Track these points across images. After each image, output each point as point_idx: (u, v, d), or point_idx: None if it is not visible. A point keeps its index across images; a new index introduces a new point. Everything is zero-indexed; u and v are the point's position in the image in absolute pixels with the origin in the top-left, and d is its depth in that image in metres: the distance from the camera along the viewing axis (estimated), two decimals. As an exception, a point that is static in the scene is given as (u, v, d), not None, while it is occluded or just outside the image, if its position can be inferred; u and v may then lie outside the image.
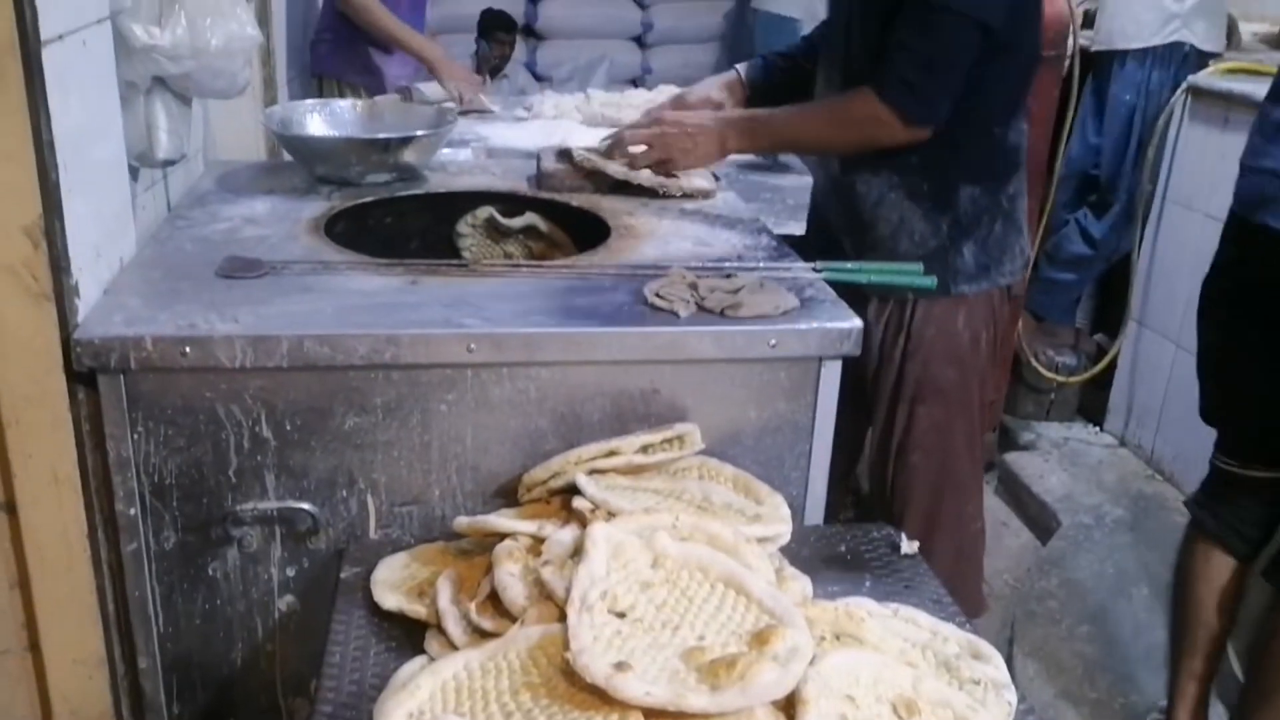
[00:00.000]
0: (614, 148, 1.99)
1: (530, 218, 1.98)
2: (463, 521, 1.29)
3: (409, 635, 1.18)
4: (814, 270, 1.62)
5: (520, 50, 5.88)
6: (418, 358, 1.36)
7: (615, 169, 1.96)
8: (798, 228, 2.25)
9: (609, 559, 1.12)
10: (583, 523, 1.21)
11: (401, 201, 1.99)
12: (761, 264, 1.64)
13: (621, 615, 1.06)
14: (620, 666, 0.96)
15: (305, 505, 1.40)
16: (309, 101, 2.30)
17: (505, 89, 5.17)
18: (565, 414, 1.42)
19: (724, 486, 1.37)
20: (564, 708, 0.98)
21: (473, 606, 1.13)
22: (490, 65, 5.25)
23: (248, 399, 1.36)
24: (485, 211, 1.99)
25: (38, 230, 1.25)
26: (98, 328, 1.33)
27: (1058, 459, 3.41)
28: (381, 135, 2.02)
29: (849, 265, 1.68)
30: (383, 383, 1.37)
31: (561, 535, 1.19)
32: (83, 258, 1.35)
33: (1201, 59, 3.40)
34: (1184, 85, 3.23)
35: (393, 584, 1.25)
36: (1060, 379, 3.57)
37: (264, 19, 3.18)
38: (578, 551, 1.14)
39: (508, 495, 1.42)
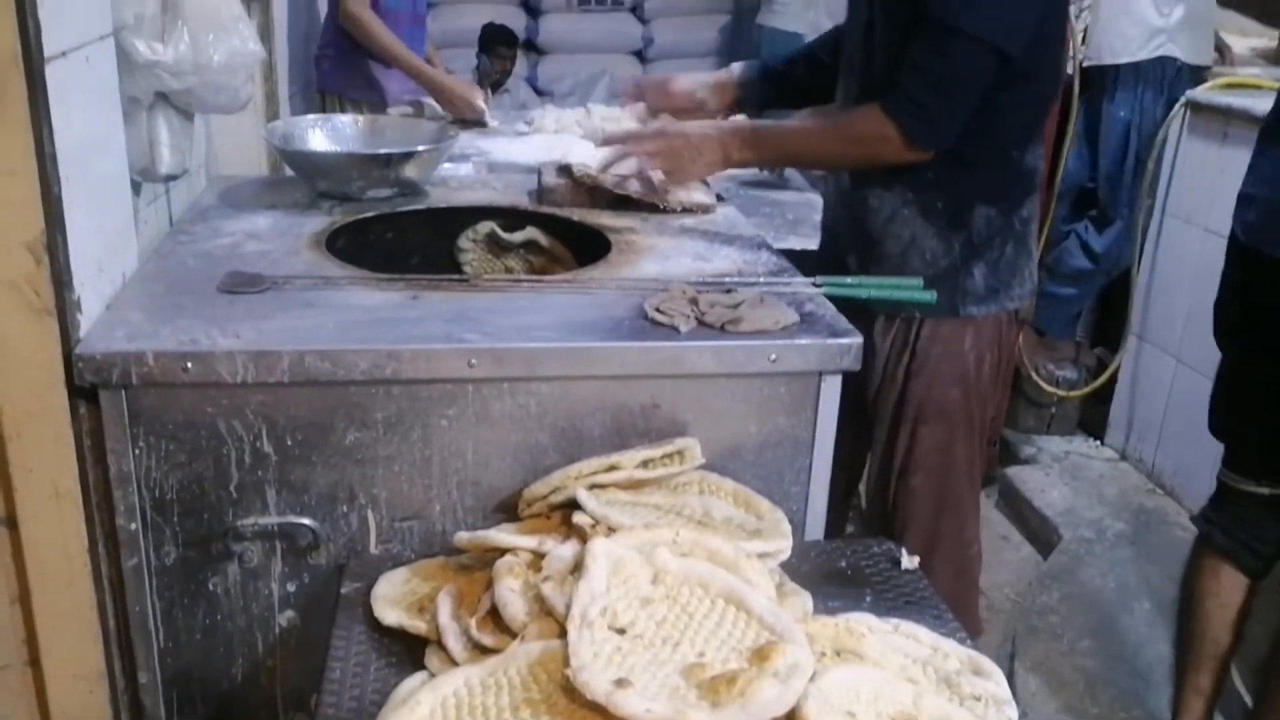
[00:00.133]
0: (615, 156, 1.96)
1: (531, 232, 1.99)
2: (463, 537, 1.29)
3: (409, 651, 1.18)
4: (814, 285, 1.62)
5: (521, 65, 5.90)
6: (419, 373, 1.37)
7: (615, 184, 1.95)
8: (798, 242, 2.25)
9: (609, 575, 1.12)
10: (583, 538, 1.21)
11: (403, 216, 1.99)
12: (761, 279, 1.65)
13: (622, 631, 1.06)
14: (620, 683, 0.96)
15: (306, 520, 1.40)
16: (311, 117, 2.31)
17: (506, 103, 5.18)
18: (566, 429, 1.42)
19: (724, 501, 1.37)
20: (564, 724, 0.97)
21: (473, 622, 1.13)
22: (491, 80, 5.26)
23: (249, 414, 1.36)
24: (486, 226, 2.00)
25: (40, 245, 1.26)
26: (99, 343, 1.33)
27: (1059, 473, 3.41)
28: (383, 150, 2.02)
29: (849, 280, 1.67)
30: (383, 398, 1.38)
31: (562, 551, 1.19)
32: (85, 273, 1.35)
33: (1194, 74, 3.41)
34: (1182, 100, 3.24)
35: (393, 599, 1.25)
36: (1061, 393, 3.57)
37: (266, 35, 3.20)
38: (578, 567, 1.14)
39: (508, 510, 1.42)
